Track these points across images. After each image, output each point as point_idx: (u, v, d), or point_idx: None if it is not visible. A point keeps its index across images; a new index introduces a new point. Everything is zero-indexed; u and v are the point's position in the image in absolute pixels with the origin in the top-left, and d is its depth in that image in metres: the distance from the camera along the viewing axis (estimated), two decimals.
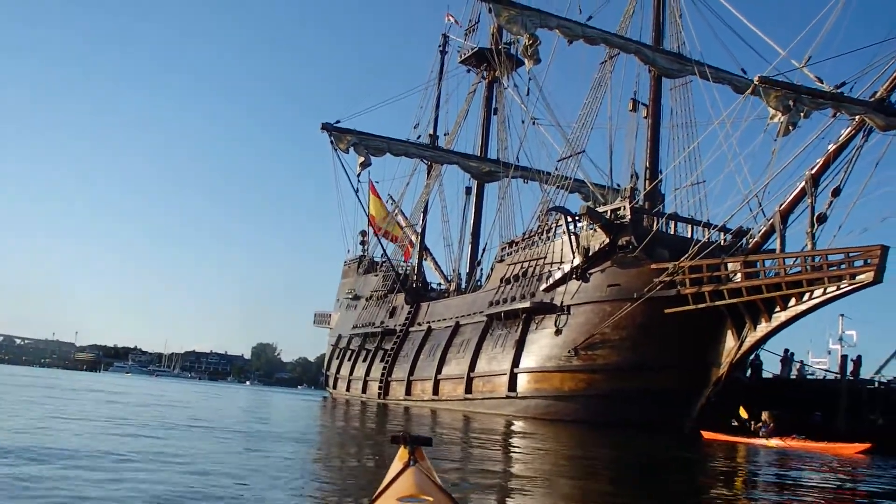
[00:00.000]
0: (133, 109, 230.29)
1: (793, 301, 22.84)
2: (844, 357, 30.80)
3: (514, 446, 13.64)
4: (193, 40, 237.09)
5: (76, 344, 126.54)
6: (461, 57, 45.77)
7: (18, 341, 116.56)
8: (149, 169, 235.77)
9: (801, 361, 31.49)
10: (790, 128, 21.82)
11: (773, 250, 23.85)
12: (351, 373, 47.17)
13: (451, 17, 48.33)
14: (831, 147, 22.46)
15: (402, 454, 3.15)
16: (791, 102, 20.96)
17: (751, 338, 24.23)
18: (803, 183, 22.75)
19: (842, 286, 21.65)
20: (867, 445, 19.92)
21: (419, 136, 47.04)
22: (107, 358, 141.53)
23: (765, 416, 23.17)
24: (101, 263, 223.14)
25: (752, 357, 29.05)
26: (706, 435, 23.22)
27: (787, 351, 31.24)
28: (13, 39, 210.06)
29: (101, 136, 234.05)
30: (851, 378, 28.58)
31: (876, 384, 28.64)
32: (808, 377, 32.18)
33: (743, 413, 24.55)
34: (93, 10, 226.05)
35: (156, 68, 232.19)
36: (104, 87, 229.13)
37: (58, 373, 62.84)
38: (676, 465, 12.75)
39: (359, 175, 39.98)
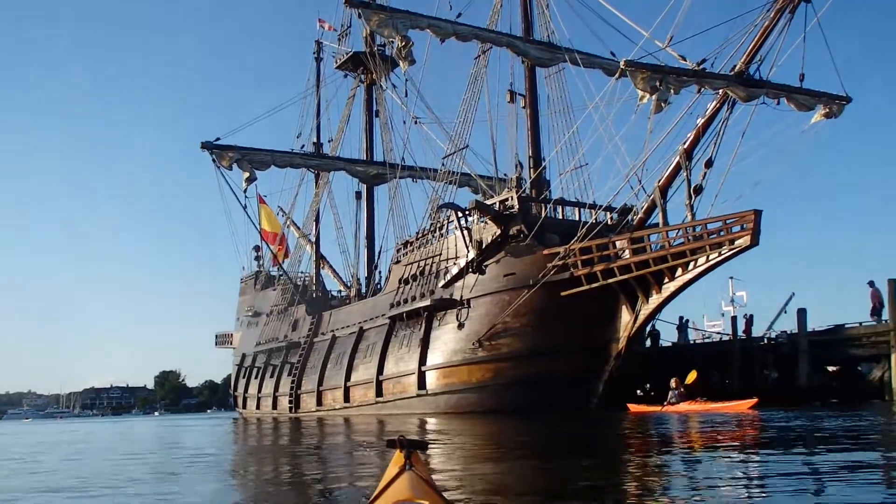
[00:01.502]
0: None
1: (679, 271, 23.77)
2: (734, 318, 32.30)
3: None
4: (69, 53, 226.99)
5: None
6: (337, 62, 45.38)
7: None
8: (22, 199, 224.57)
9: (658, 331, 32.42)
10: (661, 105, 22.60)
11: (657, 225, 24.74)
12: (259, 390, 46.30)
13: (323, 24, 47.92)
14: (700, 121, 23.46)
15: (397, 458, 3.12)
16: (658, 82, 21.74)
17: (644, 310, 25.09)
18: (678, 157, 23.67)
19: (723, 252, 22.66)
20: (754, 401, 21.03)
21: (303, 146, 46.36)
22: (1, 405, 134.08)
23: (673, 382, 24.01)
24: None
25: (649, 328, 30.17)
26: (632, 409, 24.03)
27: (681, 318, 32.55)
28: None
29: None
30: (744, 336, 29.95)
31: (765, 340, 30.11)
32: (707, 340, 33.62)
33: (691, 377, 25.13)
34: None
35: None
36: None
37: None
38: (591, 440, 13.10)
39: (245, 190, 39.37)
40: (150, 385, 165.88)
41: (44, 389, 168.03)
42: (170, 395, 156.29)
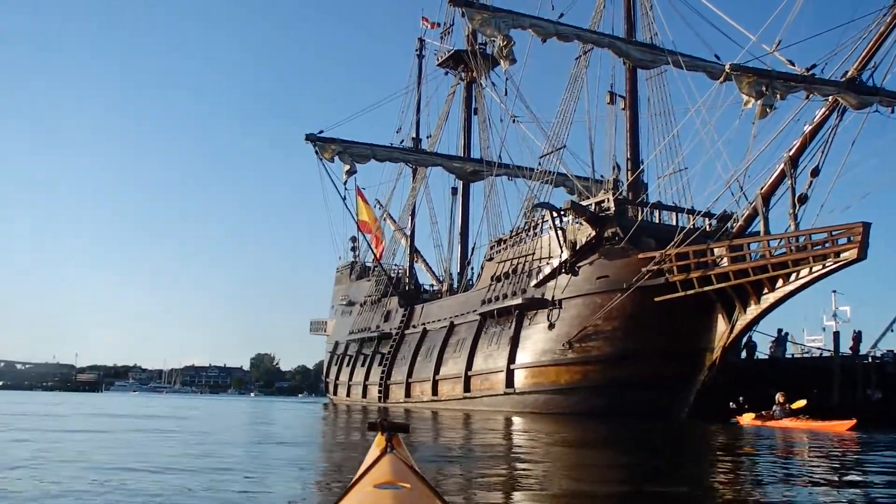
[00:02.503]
0: (122, 131, 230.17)
1: (780, 282, 23.11)
2: (836, 333, 31.13)
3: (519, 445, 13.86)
4: (176, 55, 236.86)
5: (76, 366, 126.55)
6: (438, 60, 45.95)
7: (19, 366, 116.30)
8: (140, 190, 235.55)
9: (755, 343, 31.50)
10: (767, 111, 22.06)
11: (758, 233, 24.13)
12: (350, 378, 47.36)
13: (426, 22, 48.48)
14: (807, 128, 22.71)
15: (378, 441, 3.11)
16: (764, 87, 21.20)
17: (741, 321, 24.49)
18: (783, 165, 23.00)
19: (827, 265, 21.92)
20: (852, 422, 20.28)
21: (402, 141, 47.23)
22: (107, 378, 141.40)
23: (779, 397, 23.39)
24: (98, 285, 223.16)
25: (745, 339, 29.40)
26: (741, 420, 23.53)
27: (780, 331, 31.55)
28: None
29: (93, 159, 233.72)
30: (849, 353, 28.86)
31: (870, 359, 28.95)
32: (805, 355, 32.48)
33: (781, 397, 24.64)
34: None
35: (144, 84, 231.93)
36: (94, 105, 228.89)
37: (68, 396, 62.64)
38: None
39: (345, 183, 40.14)
40: (246, 366, 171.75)
41: (148, 364, 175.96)
42: (264, 377, 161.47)
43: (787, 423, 22.11)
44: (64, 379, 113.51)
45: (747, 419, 23.95)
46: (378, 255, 47.00)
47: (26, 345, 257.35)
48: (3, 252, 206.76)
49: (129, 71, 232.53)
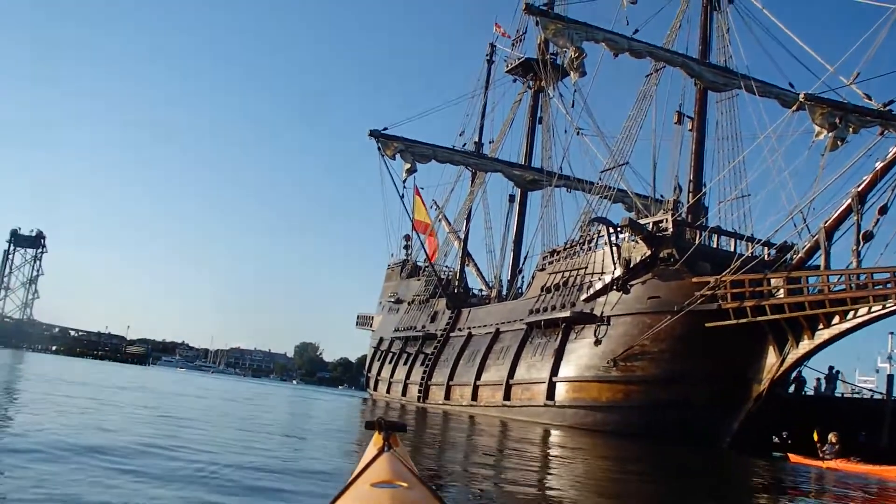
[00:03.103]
0: (185, 116, 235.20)
1: (836, 319, 22.59)
2: (891, 377, 30.23)
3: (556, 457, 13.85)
4: (248, 44, 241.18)
5: (127, 337, 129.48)
6: (507, 66, 46.07)
7: (73, 333, 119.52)
8: (200, 172, 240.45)
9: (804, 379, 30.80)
10: (838, 143, 21.71)
11: (818, 267, 23.65)
12: (391, 375, 47.60)
13: (499, 28, 48.63)
14: (879, 165, 22.17)
15: (376, 440, 3.12)
16: (837, 119, 20.84)
17: (793, 354, 24.01)
18: (850, 200, 22.51)
19: (888, 305, 21.38)
20: None
21: (464, 144, 47.45)
22: (155, 352, 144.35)
23: (832, 437, 22.80)
24: (151, 260, 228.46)
25: (794, 374, 28.77)
26: (793, 458, 23.00)
27: (831, 368, 30.78)
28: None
29: (151, 136, 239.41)
30: None
31: None
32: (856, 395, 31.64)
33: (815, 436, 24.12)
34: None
35: (203, 73, 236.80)
36: (140, 94, 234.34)
37: (119, 367, 64.32)
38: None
39: (405, 181, 40.59)
40: (290, 353, 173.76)
41: (195, 343, 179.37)
42: (306, 365, 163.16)
43: (835, 464, 21.53)
44: (114, 349, 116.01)
45: (799, 458, 23.20)
46: (431, 256, 47.22)
47: (81, 313, 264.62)
48: (63, 224, 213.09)
49: (190, 68, 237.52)
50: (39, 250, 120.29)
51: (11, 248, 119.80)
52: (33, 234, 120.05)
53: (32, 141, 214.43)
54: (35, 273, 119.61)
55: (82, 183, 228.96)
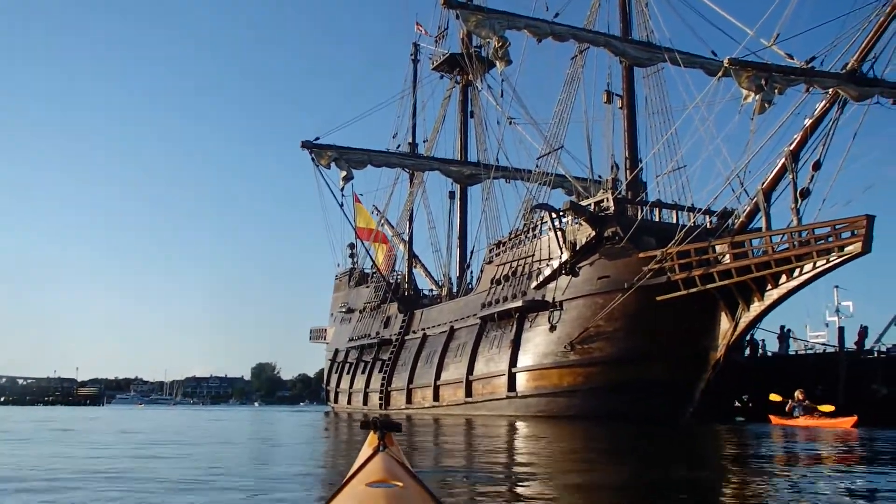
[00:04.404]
0: (111, 139, 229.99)
1: (783, 278, 22.79)
2: (841, 329, 30.80)
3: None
4: (168, 66, 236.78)
5: (77, 379, 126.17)
6: (433, 64, 45.78)
7: (21, 381, 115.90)
8: (132, 201, 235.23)
9: (763, 340, 31.46)
10: (766, 105, 21.81)
11: (760, 229, 23.83)
12: (351, 385, 47.04)
13: (420, 28, 48.31)
14: (808, 122, 22.44)
15: (371, 440, 3.12)
16: (763, 81, 20.95)
17: (745, 318, 24.16)
18: (783, 159, 22.71)
19: (831, 259, 21.62)
20: (853, 419, 20.04)
21: (399, 146, 47.08)
22: (109, 391, 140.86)
23: (799, 394, 23.06)
24: (96, 299, 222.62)
25: (748, 337, 29.08)
26: (775, 420, 23.15)
27: (783, 328, 31.31)
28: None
29: (80, 169, 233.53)
30: (854, 349, 28.53)
31: (876, 353, 28.63)
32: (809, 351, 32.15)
33: (774, 397, 24.41)
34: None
35: (137, 96, 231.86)
36: (81, 116, 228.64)
37: (74, 410, 62.15)
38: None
39: (342, 189, 39.97)
40: (247, 376, 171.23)
41: (149, 376, 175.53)
42: (265, 386, 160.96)
43: (803, 421, 21.79)
44: (65, 393, 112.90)
45: (782, 420, 23.37)
46: (388, 265, 46.91)
47: (27, 361, 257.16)
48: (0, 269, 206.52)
49: (123, 85, 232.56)
50: None
51: None
52: None
53: None
54: None
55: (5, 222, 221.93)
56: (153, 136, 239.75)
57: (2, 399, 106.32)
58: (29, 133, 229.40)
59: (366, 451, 3.08)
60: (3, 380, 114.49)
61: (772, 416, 23.97)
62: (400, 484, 2.64)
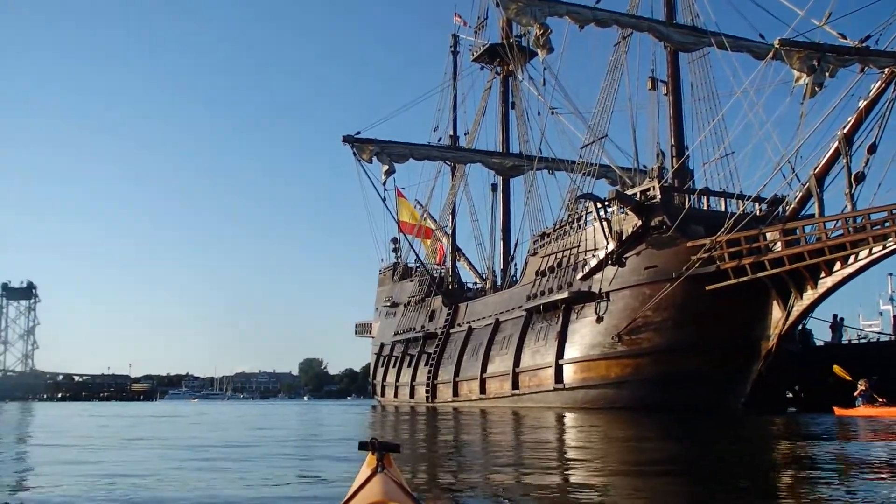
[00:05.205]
0: (172, 143, 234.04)
1: (837, 265, 22.18)
2: None
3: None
4: (210, 62, 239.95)
5: (131, 376, 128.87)
6: (473, 55, 45.50)
7: (77, 378, 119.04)
8: (182, 205, 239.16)
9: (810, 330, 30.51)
10: (816, 89, 21.28)
11: (812, 215, 23.21)
12: (397, 379, 47.15)
13: (459, 18, 48.02)
14: (862, 103, 21.74)
15: (370, 461, 3.10)
16: (815, 62, 20.38)
17: (798, 307, 23.58)
18: (836, 143, 22.07)
19: (888, 245, 20.98)
20: None
21: (440, 139, 46.91)
22: (161, 387, 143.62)
23: (862, 384, 22.38)
24: (147, 298, 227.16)
25: (800, 326, 28.38)
26: (838, 411, 22.49)
27: (835, 316, 30.47)
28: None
29: (130, 168, 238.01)
30: None
31: None
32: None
33: (841, 372, 23.59)
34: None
35: (173, 90, 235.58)
36: (122, 111, 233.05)
37: (131, 406, 63.40)
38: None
39: (384, 183, 40.09)
40: (295, 371, 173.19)
41: (199, 372, 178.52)
42: (312, 381, 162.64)
43: (864, 411, 21.09)
44: (119, 389, 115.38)
45: (846, 411, 22.59)
46: (441, 258, 46.92)
47: (83, 358, 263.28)
48: (52, 271, 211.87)
49: (170, 85, 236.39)
50: (32, 301, 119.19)
51: (4, 301, 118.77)
52: (24, 285, 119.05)
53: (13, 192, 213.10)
54: (31, 324, 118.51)
55: (67, 227, 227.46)
56: (200, 136, 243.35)
57: (59, 395, 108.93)
58: (88, 132, 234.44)
59: (364, 472, 3.06)
60: (60, 376, 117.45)
61: (835, 408, 23.18)
62: None
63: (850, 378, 23.31)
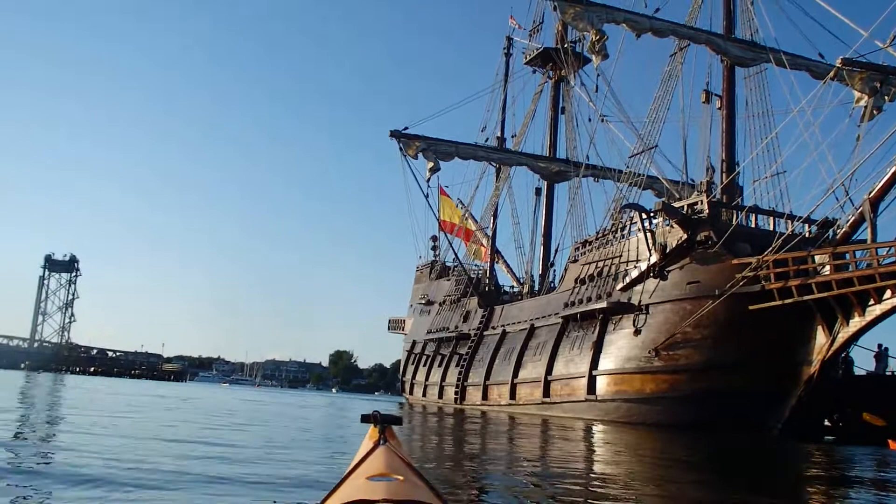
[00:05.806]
0: (211, 131, 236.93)
1: (888, 293, 21.55)
2: None
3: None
4: (265, 55, 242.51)
5: (163, 355, 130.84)
6: (526, 58, 45.32)
7: (110, 354, 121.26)
8: (227, 189, 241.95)
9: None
10: (875, 112, 20.83)
11: (864, 241, 22.64)
12: (427, 378, 47.05)
13: (513, 21, 47.95)
14: None
15: (372, 433, 3.13)
16: (878, 84, 19.93)
17: (843, 333, 22.96)
18: (894, 168, 21.52)
19: None
20: None
21: (487, 139, 46.87)
22: (192, 368, 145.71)
23: None
24: (184, 279, 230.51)
25: (843, 354, 27.72)
26: (893, 445, 21.79)
27: (881, 346, 29.69)
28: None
29: (176, 152, 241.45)
30: None
31: None
32: None
33: (872, 419, 23.02)
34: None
35: (235, 75, 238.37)
36: (172, 103, 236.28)
37: (160, 385, 64.27)
38: None
39: (428, 180, 40.06)
40: (325, 362, 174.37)
41: (230, 356, 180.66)
42: (342, 374, 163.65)
43: None
44: (151, 367, 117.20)
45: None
46: (483, 257, 46.86)
47: (117, 333, 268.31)
48: (94, 246, 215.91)
49: (229, 76, 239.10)
50: (73, 274, 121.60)
51: (46, 273, 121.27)
52: (66, 258, 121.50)
53: (59, 164, 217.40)
54: (71, 297, 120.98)
55: (111, 204, 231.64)
56: (259, 122, 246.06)
57: (91, 369, 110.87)
58: (157, 110, 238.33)
59: (366, 444, 3.07)
60: (94, 351, 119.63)
61: (890, 441, 22.43)
62: (400, 477, 2.64)
63: (882, 423, 22.65)
